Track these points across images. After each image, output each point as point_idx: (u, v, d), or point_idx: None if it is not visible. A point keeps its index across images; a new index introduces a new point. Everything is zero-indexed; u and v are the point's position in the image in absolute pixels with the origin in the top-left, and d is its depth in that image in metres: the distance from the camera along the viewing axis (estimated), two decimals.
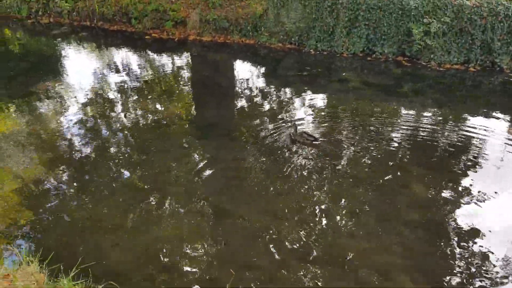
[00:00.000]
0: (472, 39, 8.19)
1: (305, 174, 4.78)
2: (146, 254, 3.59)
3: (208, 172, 4.81)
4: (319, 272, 3.41)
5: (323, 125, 6.08)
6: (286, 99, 7.22)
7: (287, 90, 7.57)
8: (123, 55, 9.39)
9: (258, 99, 7.16)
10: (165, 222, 3.98)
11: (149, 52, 9.60)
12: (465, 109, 6.79)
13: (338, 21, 8.96)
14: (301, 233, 3.86)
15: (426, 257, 3.60)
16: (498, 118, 6.38)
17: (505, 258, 3.61)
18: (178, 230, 3.88)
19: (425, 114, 6.54)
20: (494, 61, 8.14)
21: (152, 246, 3.68)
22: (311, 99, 7.06)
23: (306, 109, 6.68)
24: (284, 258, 3.57)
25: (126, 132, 5.81)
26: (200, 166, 4.92)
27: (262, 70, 8.79)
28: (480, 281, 3.37)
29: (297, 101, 7.07)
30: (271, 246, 3.69)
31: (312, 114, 6.47)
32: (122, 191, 4.46)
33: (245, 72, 8.73)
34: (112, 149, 5.36)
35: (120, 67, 8.56)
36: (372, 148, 5.40)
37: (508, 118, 6.43)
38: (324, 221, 4.01)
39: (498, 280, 3.37)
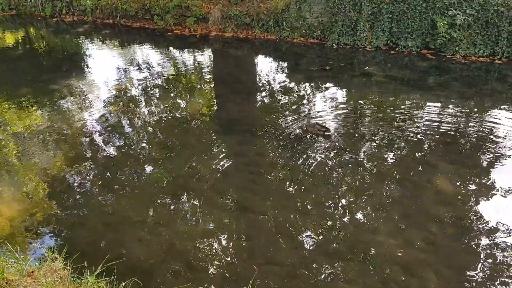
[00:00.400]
0: (499, 31, 8.06)
1: (327, 169, 4.79)
2: (170, 250, 3.66)
3: (231, 168, 4.87)
4: (342, 267, 3.43)
5: (346, 118, 6.09)
6: (308, 94, 7.24)
7: (310, 84, 7.59)
8: (145, 52, 9.54)
9: (280, 94, 7.20)
10: (188, 218, 4.06)
11: (171, 49, 9.72)
12: (490, 102, 6.70)
13: (361, 14, 8.91)
14: (324, 228, 3.89)
15: (451, 252, 3.58)
16: None
17: None
18: (202, 226, 3.95)
19: (450, 107, 6.47)
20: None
21: (176, 242, 3.75)
22: (334, 93, 7.07)
23: (328, 103, 6.69)
24: (307, 253, 3.59)
25: (149, 128, 5.93)
26: (223, 162, 4.98)
27: (284, 65, 8.83)
28: (507, 276, 3.35)
29: (319, 96, 7.09)
30: (294, 241, 3.72)
31: (334, 108, 6.48)
32: (146, 187, 4.57)
33: (267, 67, 8.77)
34: (135, 146, 5.49)
35: (143, 64, 8.71)
36: (395, 142, 5.39)
37: None
38: (347, 216, 4.03)
39: None
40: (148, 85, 7.60)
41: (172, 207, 4.24)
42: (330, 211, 4.13)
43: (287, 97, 7.09)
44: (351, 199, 4.29)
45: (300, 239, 3.77)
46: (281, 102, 6.88)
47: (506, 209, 4.12)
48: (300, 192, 4.44)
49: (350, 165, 4.89)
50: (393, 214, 4.07)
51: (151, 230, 3.92)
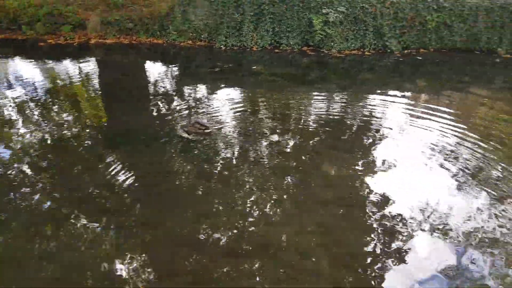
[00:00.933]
0: (366, 26, 8.99)
1: (223, 169, 4.81)
2: (66, 278, 3.34)
3: (124, 183, 4.61)
4: (244, 264, 3.47)
5: (239, 117, 6.21)
6: (200, 96, 7.22)
7: (201, 87, 7.58)
8: (16, 66, 8.56)
9: (171, 100, 7.05)
10: (79, 243, 3.74)
11: (47, 60, 8.88)
12: (366, 90, 7.44)
13: (245, 16, 9.18)
14: (223, 229, 3.89)
15: (342, 231, 3.87)
16: (394, 95, 7.12)
17: (412, 216, 4.07)
18: (93, 250, 3.67)
19: (332, 98, 7.02)
20: (385, 44, 9.05)
21: (74, 270, 3.43)
22: (226, 94, 7.16)
23: (220, 103, 6.75)
24: (208, 258, 3.57)
25: (31, 151, 5.32)
26: (114, 177, 4.69)
27: (174, 69, 8.67)
28: (395, 243, 3.74)
29: (211, 97, 7.11)
30: (196, 248, 3.68)
31: (226, 108, 6.56)
32: (21, 215, 4.08)
33: (157, 73, 8.53)
34: (10, 171, 4.87)
35: (15, 80, 7.80)
36: (286, 134, 5.67)
37: (399, 94, 7.19)
38: (245, 214, 4.10)
39: (412, 237, 3.78)
40: (24, 102, 6.82)
41: (58, 234, 3.85)
42: (228, 211, 4.15)
43: (178, 101, 6.97)
44: (248, 196, 4.37)
45: (200, 245, 3.72)
46: (172, 108, 6.73)
47: (387, 183, 4.56)
48: (198, 196, 4.38)
49: (245, 163, 4.98)
50: (287, 203, 4.25)
51: (32, 263, 3.50)
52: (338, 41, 9.00)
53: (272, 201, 4.27)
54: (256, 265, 3.47)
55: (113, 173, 4.76)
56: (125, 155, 5.18)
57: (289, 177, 4.69)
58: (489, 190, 4.36)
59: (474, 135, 5.57)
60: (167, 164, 4.98)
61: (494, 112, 6.59)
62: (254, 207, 4.20)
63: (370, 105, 6.67)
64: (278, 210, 4.14)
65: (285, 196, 4.36)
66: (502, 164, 4.83)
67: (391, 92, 7.23)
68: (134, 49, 9.44)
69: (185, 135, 5.52)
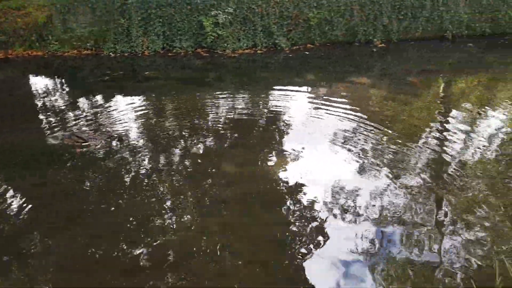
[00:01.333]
0: (255, 25, 9.29)
1: (117, 183, 4.60)
2: None
3: (8, 209, 4.16)
4: (148, 278, 3.36)
5: (134, 125, 5.99)
6: (91, 107, 6.80)
7: (92, 97, 7.14)
8: None
9: (58, 113, 6.54)
10: None
11: None
12: (263, 86, 7.67)
13: (132, 21, 8.86)
14: (124, 247, 3.72)
15: (243, 228, 3.91)
16: (289, 89, 7.43)
17: (321, 201, 4.21)
18: None
19: (232, 97, 7.10)
20: (275, 42, 9.45)
21: None
22: (116, 102, 6.84)
23: (111, 112, 6.43)
24: (107, 279, 3.39)
25: None
26: None
27: (60, 81, 8.04)
28: (307, 231, 3.89)
29: (103, 106, 6.75)
30: (90, 271, 3.47)
31: (120, 116, 6.28)
32: None
33: (39, 86, 7.83)
34: None
35: None
36: (190, 138, 5.62)
37: (294, 88, 7.57)
38: (145, 226, 3.97)
39: (323, 223, 3.88)
40: None
41: None
42: (125, 223, 3.97)
43: (67, 114, 6.48)
44: (148, 204, 4.22)
45: (97, 270, 3.50)
46: (60, 121, 6.24)
47: (293, 173, 4.69)
48: (85, 218, 4.11)
49: (148, 170, 4.81)
50: (188, 207, 4.19)
51: None
52: (230, 41, 9.16)
53: (175, 208, 4.19)
54: (160, 279, 3.36)
55: None
56: (7, 178, 4.66)
57: (190, 181, 4.64)
58: (388, 169, 4.70)
59: (368, 119, 6.03)
60: (57, 183, 4.59)
61: (379, 96, 7.28)
62: (156, 219, 4.07)
63: (270, 100, 6.91)
64: (180, 215, 4.07)
65: (186, 201, 4.30)
66: (397, 143, 5.28)
67: (286, 87, 7.55)
68: (11, 64, 8.57)
69: (78, 149, 5.15)
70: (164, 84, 7.68)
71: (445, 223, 3.78)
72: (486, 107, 6.79)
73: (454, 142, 5.39)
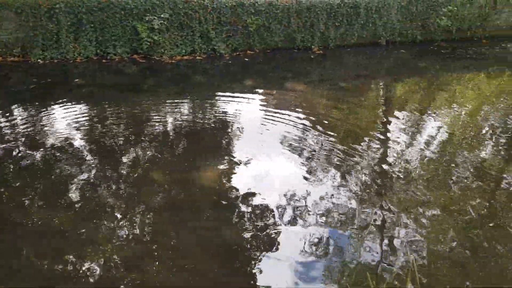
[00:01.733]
0: (193, 31, 9.16)
1: (48, 195, 4.30)
2: None
3: None
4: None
5: (61, 135, 5.64)
6: (15, 120, 6.34)
7: (16, 109, 6.66)
8: None
9: None
10: None
11: None
12: (203, 93, 7.54)
13: (61, 26, 8.44)
14: (51, 254, 3.48)
15: (178, 236, 3.75)
16: (232, 96, 7.32)
17: (267, 207, 4.15)
18: None
19: (170, 104, 6.89)
20: (214, 48, 9.38)
21: None
22: (45, 112, 6.43)
23: (38, 124, 6.03)
24: None
25: None
26: None
27: None
28: (268, 231, 3.80)
29: (29, 119, 6.31)
30: None
31: (49, 127, 5.90)
32: None
33: None
34: None
35: None
36: (121, 148, 5.36)
37: (236, 94, 7.49)
38: (71, 237, 3.73)
39: (266, 228, 3.84)
40: None
41: None
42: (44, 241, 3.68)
43: None
44: (78, 221, 3.94)
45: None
46: None
47: (243, 176, 4.65)
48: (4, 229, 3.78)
49: (73, 181, 4.50)
50: (117, 218, 3.97)
51: None
52: (168, 47, 8.97)
53: (105, 221, 3.95)
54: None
55: None
56: None
57: (120, 192, 4.41)
58: (335, 170, 4.81)
59: (309, 123, 6.13)
60: None
61: (318, 101, 7.38)
62: (81, 227, 3.80)
63: (209, 107, 6.80)
64: (111, 228, 3.84)
65: (117, 211, 4.08)
66: (342, 146, 5.41)
67: (227, 93, 7.45)
68: None
69: None
70: (96, 92, 7.33)
71: (387, 223, 3.89)
72: (423, 111, 7.12)
73: (395, 144, 5.61)
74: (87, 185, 4.44)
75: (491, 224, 3.96)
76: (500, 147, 5.72)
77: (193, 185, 4.53)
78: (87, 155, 5.11)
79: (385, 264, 3.39)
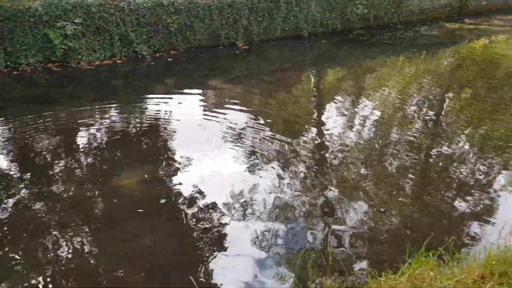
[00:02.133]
0: (111, 34, 8.88)
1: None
2: None
3: None
4: None
5: None
6: None
7: None
8: None
9: None
10: None
11: None
12: (129, 95, 7.36)
13: None
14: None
15: (146, 243, 3.73)
16: (158, 97, 7.16)
17: (217, 204, 4.20)
18: None
19: (89, 111, 6.61)
20: (135, 50, 9.16)
21: None
22: None
23: None
24: None
25: None
26: None
27: None
28: (216, 229, 3.83)
29: None
30: None
31: None
32: None
33: None
34: None
35: None
36: (70, 160, 5.10)
37: (159, 95, 7.36)
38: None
39: (221, 225, 3.90)
40: None
41: None
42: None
43: None
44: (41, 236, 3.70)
45: None
46: None
47: (191, 177, 4.68)
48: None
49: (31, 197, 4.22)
50: (85, 224, 3.81)
51: None
52: (85, 53, 8.63)
53: (80, 229, 3.79)
54: None
55: None
56: None
57: (86, 197, 4.20)
58: (278, 163, 4.96)
59: (248, 117, 6.32)
60: None
61: (250, 96, 7.48)
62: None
63: (137, 110, 6.68)
64: (76, 236, 3.66)
65: (86, 219, 3.92)
66: (278, 139, 5.56)
67: (152, 95, 7.32)
68: None
69: None
70: (7, 106, 6.89)
71: (329, 212, 4.09)
72: (352, 96, 7.52)
73: (331, 132, 5.93)
74: None
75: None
76: (428, 124, 6.28)
77: (118, 194, 4.43)
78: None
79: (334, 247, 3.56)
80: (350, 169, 4.88)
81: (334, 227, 3.82)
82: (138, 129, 6.03)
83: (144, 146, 5.48)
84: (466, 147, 5.51)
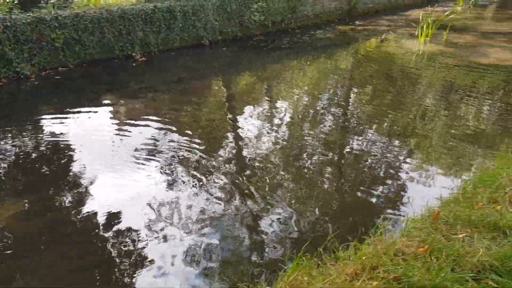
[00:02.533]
0: None
1: None
2: None
3: None
4: None
5: None
6: None
7: None
8: None
9: None
10: None
11: None
12: (15, 120, 6.65)
13: None
14: None
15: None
16: (48, 118, 6.56)
17: (137, 224, 4.02)
18: None
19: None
20: (17, 70, 8.33)
21: None
22: None
23: None
24: None
25: None
26: None
27: None
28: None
29: None
30: None
31: None
32: None
33: None
34: None
35: None
36: None
37: (50, 116, 6.72)
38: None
39: (144, 247, 3.72)
40: None
41: None
42: None
43: None
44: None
45: None
46: None
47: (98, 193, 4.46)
48: None
49: None
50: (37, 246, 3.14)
51: None
52: None
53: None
54: None
55: None
56: None
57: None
58: (197, 174, 4.87)
59: (158, 129, 6.21)
60: None
61: (151, 109, 7.20)
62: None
63: (26, 133, 6.14)
64: (44, 256, 3.00)
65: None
66: (196, 149, 5.53)
67: (42, 117, 6.75)
68: None
69: None
70: None
71: (254, 212, 4.20)
72: (263, 101, 7.72)
73: (249, 135, 6.04)
74: None
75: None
76: (337, 121, 6.64)
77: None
78: None
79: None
80: (268, 172, 4.98)
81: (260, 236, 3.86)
82: (31, 153, 5.45)
83: (31, 172, 4.97)
84: (374, 137, 5.94)
